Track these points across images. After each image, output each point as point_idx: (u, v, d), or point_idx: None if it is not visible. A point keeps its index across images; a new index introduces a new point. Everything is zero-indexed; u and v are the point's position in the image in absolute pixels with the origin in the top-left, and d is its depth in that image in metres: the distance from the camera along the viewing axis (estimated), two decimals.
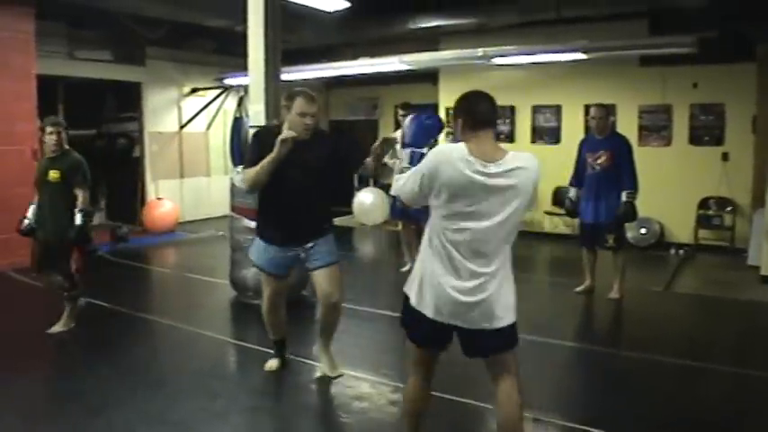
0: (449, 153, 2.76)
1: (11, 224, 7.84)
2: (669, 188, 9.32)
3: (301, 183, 4.11)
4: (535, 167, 2.84)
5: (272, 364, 4.69)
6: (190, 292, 7.63)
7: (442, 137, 11.28)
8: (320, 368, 4.56)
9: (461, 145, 2.77)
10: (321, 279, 4.24)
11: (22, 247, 7.98)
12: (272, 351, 4.75)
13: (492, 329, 2.91)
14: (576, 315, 6.49)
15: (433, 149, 2.84)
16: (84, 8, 8.83)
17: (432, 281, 2.84)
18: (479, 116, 2.85)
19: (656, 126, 9.70)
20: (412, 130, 4.81)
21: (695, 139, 9.47)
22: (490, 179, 2.70)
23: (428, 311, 2.86)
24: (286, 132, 3.92)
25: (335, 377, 4.47)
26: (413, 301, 2.92)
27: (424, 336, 3.02)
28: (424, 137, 4.99)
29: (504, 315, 2.93)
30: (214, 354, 5.41)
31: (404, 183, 2.95)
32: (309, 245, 4.23)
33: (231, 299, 6.72)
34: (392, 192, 3.18)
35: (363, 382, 4.42)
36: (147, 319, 6.19)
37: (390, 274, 7.88)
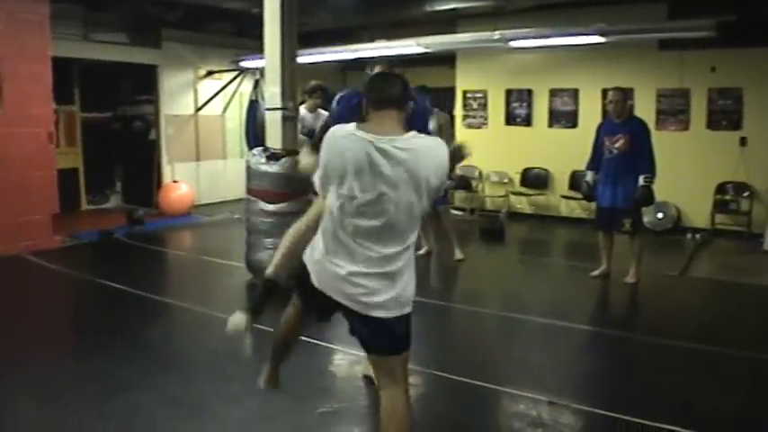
0: (333, 132, 2.71)
1: (28, 207, 7.97)
2: (686, 172, 9.25)
3: None
4: (437, 155, 2.65)
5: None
6: (205, 274, 7.67)
7: (458, 120, 11.29)
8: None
9: (351, 124, 2.69)
10: None
11: (40, 229, 8.11)
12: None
13: (374, 318, 2.69)
14: (591, 299, 6.48)
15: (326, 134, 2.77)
16: None
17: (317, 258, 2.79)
18: (381, 95, 2.74)
19: (673, 110, 9.61)
20: (338, 111, 4.29)
21: (713, 124, 9.37)
22: (377, 153, 2.56)
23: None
24: None
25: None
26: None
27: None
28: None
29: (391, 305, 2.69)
30: (229, 336, 5.42)
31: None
32: None
33: (247, 282, 6.75)
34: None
35: None
36: (162, 302, 6.23)
37: None
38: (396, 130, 2.65)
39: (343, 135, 2.64)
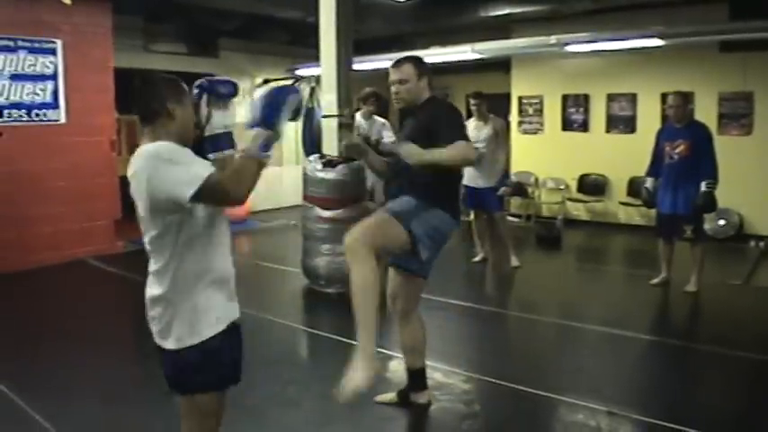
0: None
1: (92, 213, 8.19)
2: (750, 178, 9.01)
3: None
4: (141, 158, 2.30)
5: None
6: (262, 280, 7.75)
7: (514, 125, 11.20)
8: None
9: None
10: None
11: (103, 235, 8.33)
12: (346, 339, 4.76)
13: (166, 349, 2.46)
14: (651, 308, 6.35)
15: None
16: (160, 2, 9.06)
17: None
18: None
19: (736, 114, 9.37)
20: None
21: None
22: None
23: None
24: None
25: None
26: None
27: None
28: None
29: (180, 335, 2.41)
30: (286, 341, 5.49)
31: None
32: None
33: (303, 287, 6.80)
34: None
35: (436, 372, 4.40)
36: None
37: (462, 264, 7.84)
38: (142, 141, 2.41)
39: None
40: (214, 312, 2.43)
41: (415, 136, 3.56)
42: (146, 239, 2.39)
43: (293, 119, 2.60)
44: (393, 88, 3.69)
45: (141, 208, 2.33)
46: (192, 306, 2.37)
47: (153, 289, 2.41)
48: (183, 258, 2.34)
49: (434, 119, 3.56)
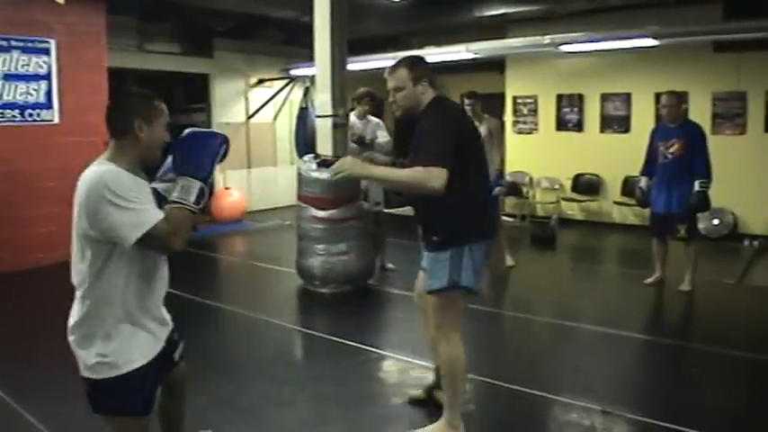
0: None
1: None
2: (743, 178, 9.02)
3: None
4: (87, 186, 2.29)
5: None
6: (257, 280, 7.75)
7: (508, 125, 11.20)
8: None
9: None
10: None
11: None
12: (341, 339, 4.77)
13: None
14: (646, 307, 6.36)
15: None
16: (154, 1, 9.04)
17: None
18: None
19: (729, 114, 9.40)
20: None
21: None
22: None
23: None
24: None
25: None
26: None
27: None
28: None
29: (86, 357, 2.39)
30: (281, 341, 5.49)
31: None
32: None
33: (298, 287, 6.80)
34: None
35: (430, 371, 4.40)
36: (215, 307, 6.32)
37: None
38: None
39: None
40: None
41: (414, 149, 3.30)
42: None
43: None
44: (390, 96, 3.46)
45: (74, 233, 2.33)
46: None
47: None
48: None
49: (419, 132, 3.29)
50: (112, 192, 2.19)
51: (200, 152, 2.37)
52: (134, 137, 2.37)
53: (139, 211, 2.20)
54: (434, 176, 3.01)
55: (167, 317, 2.62)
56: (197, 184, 2.32)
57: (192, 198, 2.30)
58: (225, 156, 2.52)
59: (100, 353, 2.35)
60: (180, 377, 2.86)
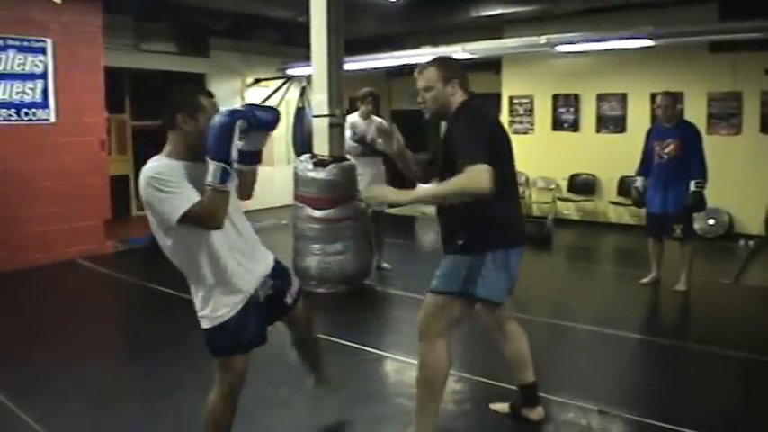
0: None
1: (82, 213, 8.16)
2: (739, 178, 9.05)
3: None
4: (143, 179, 2.61)
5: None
6: None
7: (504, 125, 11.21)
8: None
9: None
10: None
11: (93, 235, 8.30)
12: (337, 339, 4.76)
13: None
14: (641, 307, 6.37)
15: None
16: (150, 1, 9.03)
17: None
18: None
19: (725, 114, 9.43)
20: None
21: (767, 128, 9.18)
22: None
23: None
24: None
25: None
26: None
27: None
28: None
29: None
30: (277, 341, 5.44)
31: None
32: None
33: None
34: None
35: None
36: None
37: None
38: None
39: None
40: None
41: (449, 157, 3.11)
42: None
43: (269, 126, 2.80)
44: (419, 97, 3.31)
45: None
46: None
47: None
48: None
49: (450, 136, 3.19)
50: (154, 181, 2.55)
51: (215, 135, 2.52)
52: (180, 130, 2.68)
53: (177, 195, 2.54)
54: (479, 177, 2.79)
55: (258, 268, 3.02)
56: (218, 166, 2.52)
57: (214, 179, 2.52)
58: (264, 128, 2.81)
59: (201, 312, 2.85)
60: (298, 316, 3.40)
